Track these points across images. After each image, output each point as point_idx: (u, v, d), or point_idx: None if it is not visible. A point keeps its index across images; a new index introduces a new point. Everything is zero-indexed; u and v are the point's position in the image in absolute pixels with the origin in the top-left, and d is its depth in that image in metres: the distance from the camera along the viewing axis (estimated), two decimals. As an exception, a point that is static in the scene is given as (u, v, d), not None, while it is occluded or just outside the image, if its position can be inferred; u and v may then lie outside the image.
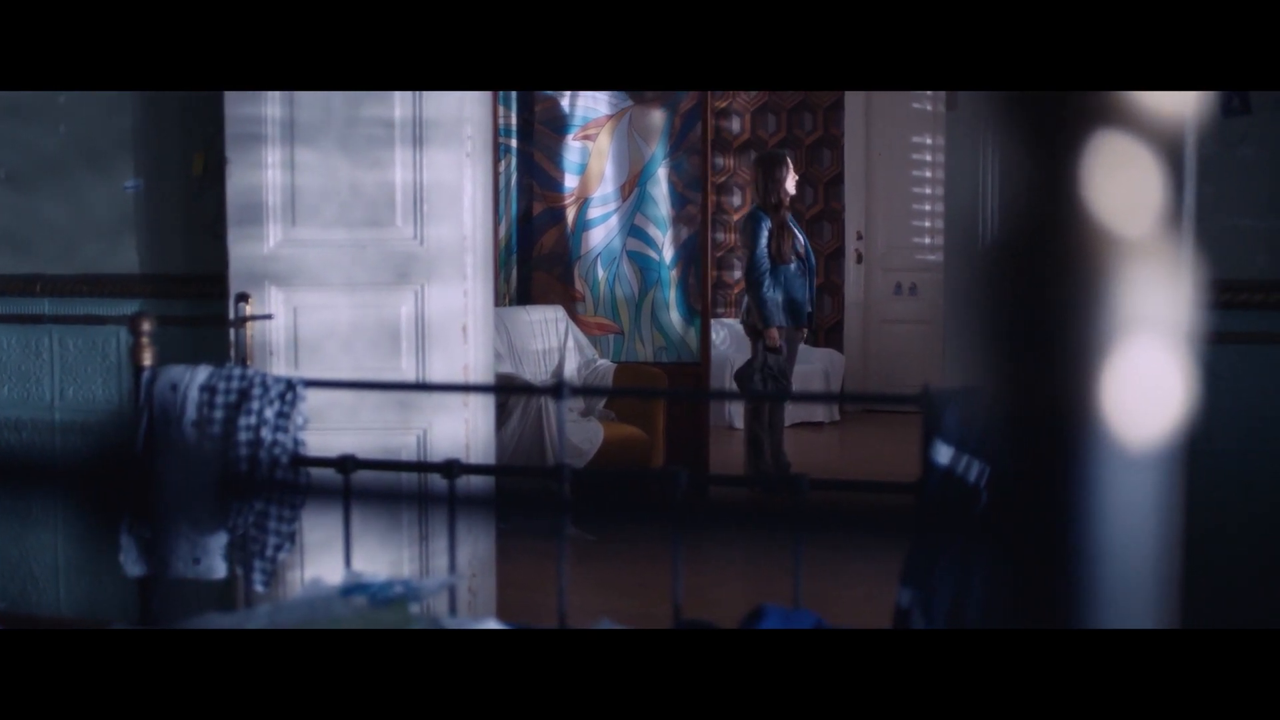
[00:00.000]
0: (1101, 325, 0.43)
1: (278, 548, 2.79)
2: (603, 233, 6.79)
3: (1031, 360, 0.43)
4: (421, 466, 3.05)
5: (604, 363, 6.52)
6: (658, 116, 6.71)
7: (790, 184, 6.59)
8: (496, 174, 6.28)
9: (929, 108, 9.32)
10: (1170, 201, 0.44)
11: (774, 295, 6.45)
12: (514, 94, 6.76)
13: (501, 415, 5.42)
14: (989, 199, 3.49)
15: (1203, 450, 3.27)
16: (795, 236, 6.57)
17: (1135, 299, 0.43)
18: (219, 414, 2.76)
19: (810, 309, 6.63)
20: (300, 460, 2.74)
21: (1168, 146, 0.43)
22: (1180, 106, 0.44)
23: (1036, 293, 0.43)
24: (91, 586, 4.05)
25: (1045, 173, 0.44)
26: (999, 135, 0.45)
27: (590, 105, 6.78)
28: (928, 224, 9.59)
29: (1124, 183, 0.43)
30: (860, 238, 9.81)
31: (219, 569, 2.82)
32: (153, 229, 3.97)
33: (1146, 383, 0.44)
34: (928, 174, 9.52)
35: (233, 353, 3.47)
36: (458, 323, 3.50)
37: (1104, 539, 0.44)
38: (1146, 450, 0.44)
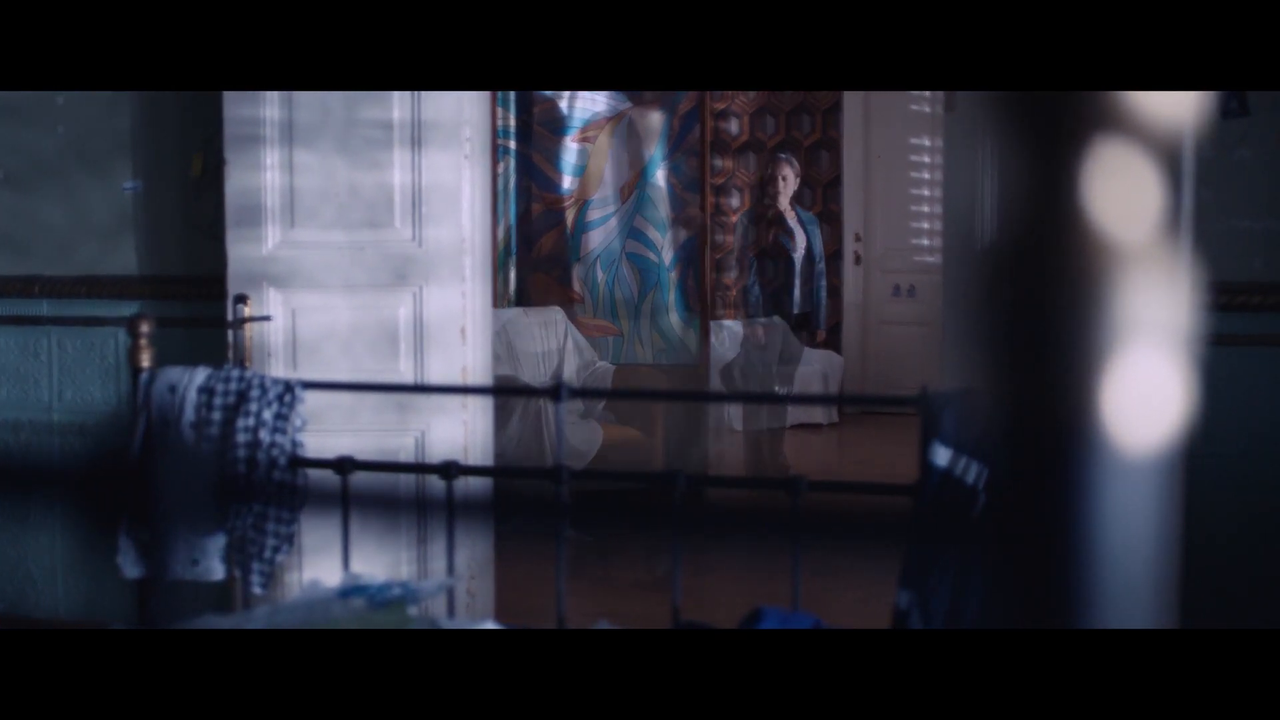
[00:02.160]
0: (1100, 330, 0.43)
1: (276, 549, 2.78)
2: (602, 234, 6.79)
3: (1030, 365, 0.43)
4: (420, 468, 3.05)
5: (603, 365, 6.52)
6: (656, 118, 6.70)
7: (778, 181, 6.57)
8: (495, 175, 6.28)
9: (928, 110, 9.32)
10: (1169, 206, 0.44)
11: (753, 290, 6.45)
12: (512, 95, 6.75)
13: (501, 417, 5.41)
14: (987, 201, 3.49)
15: (1201, 453, 3.27)
16: (788, 232, 6.54)
17: (1134, 304, 0.43)
18: (217, 416, 2.76)
19: (807, 310, 6.59)
20: (298, 462, 2.74)
21: (1166, 151, 0.43)
22: (1179, 110, 0.44)
23: (1035, 297, 0.43)
24: (90, 588, 4.05)
25: (1044, 176, 0.44)
26: (997, 138, 0.45)
27: (589, 107, 6.77)
28: (926, 226, 9.59)
29: (1122, 187, 0.43)
30: (859, 239, 9.81)
31: (217, 571, 2.81)
32: (151, 230, 3.97)
33: (1145, 388, 0.43)
34: (926, 176, 9.52)
35: (231, 354, 3.47)
36: (456, 324, 3.50)
37: (1103, 543, 0.44)
38: (1145, 455, 0.44)
